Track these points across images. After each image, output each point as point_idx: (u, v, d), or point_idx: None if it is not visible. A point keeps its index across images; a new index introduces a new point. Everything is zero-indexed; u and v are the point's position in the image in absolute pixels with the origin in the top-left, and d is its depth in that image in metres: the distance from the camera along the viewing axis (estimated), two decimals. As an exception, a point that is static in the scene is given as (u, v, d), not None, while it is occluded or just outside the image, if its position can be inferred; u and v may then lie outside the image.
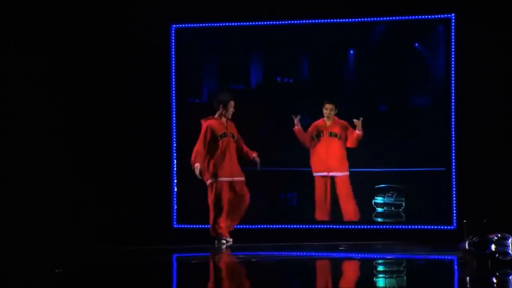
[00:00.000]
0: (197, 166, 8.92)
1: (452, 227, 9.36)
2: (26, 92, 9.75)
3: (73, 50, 9.80)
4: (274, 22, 9.77)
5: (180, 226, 9.75)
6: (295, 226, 9.68)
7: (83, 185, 9.70)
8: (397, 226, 9.55)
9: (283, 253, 8.71)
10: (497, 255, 6.79)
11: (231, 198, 8.99)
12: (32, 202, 9.60)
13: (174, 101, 9.82)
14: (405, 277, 6.89)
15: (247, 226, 9.45)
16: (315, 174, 9.65)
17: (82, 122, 9.82)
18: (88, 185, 9.69)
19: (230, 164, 8.99)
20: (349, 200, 9.61)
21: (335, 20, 9.70)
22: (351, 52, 9.73)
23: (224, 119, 9.08)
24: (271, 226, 9.68)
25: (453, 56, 9.44)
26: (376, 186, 9.61)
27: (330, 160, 9.63)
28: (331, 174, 9.61)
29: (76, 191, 9.68)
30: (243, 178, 9.06)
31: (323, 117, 9.65)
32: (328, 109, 9.59)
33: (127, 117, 9.76)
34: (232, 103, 9.06)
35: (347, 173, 9.60)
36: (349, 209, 9.61)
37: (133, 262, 7.71)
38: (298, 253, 8.66)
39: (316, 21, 9.71)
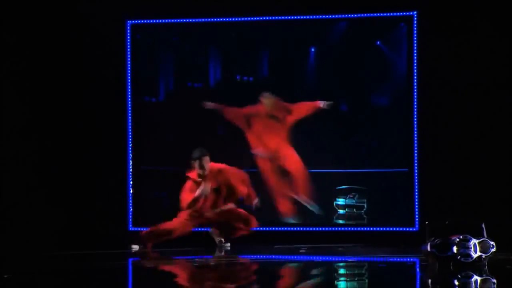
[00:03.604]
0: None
1: (414, 229, 9.33)
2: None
3: (25, 45, 9.56)
4: (233, 19, 9.63)
5: (136, 229, 9.56)
6: (255, 228, 9.50)
7: (35, 186, 9.48)
8: (359, 228, 9.47)
9: (242, 256, 8.59)
10: (459, 257, 6.83)
11: None
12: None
13: (129, 99, 9.66)
14: (366, 280, 6.86)
15: (206, 229, 9.26)
16: None
17: (33, 121, 9.59)
18: (40, 186, 9.48)
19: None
20: None
21: (296, 17, 9.59)
22: (312, 50, 9.61)
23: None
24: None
25: (415, 54, 9.40)
26: (338, 188, 9.50)
27: None
28: None
29: (27, 192, 9.45)
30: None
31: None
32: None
33: (80, 115, 9.57)
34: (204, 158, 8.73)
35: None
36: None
37: (86, 267, 7.52)
38: (258, 256, 8.52)
39: (277, 17, 9.60)
